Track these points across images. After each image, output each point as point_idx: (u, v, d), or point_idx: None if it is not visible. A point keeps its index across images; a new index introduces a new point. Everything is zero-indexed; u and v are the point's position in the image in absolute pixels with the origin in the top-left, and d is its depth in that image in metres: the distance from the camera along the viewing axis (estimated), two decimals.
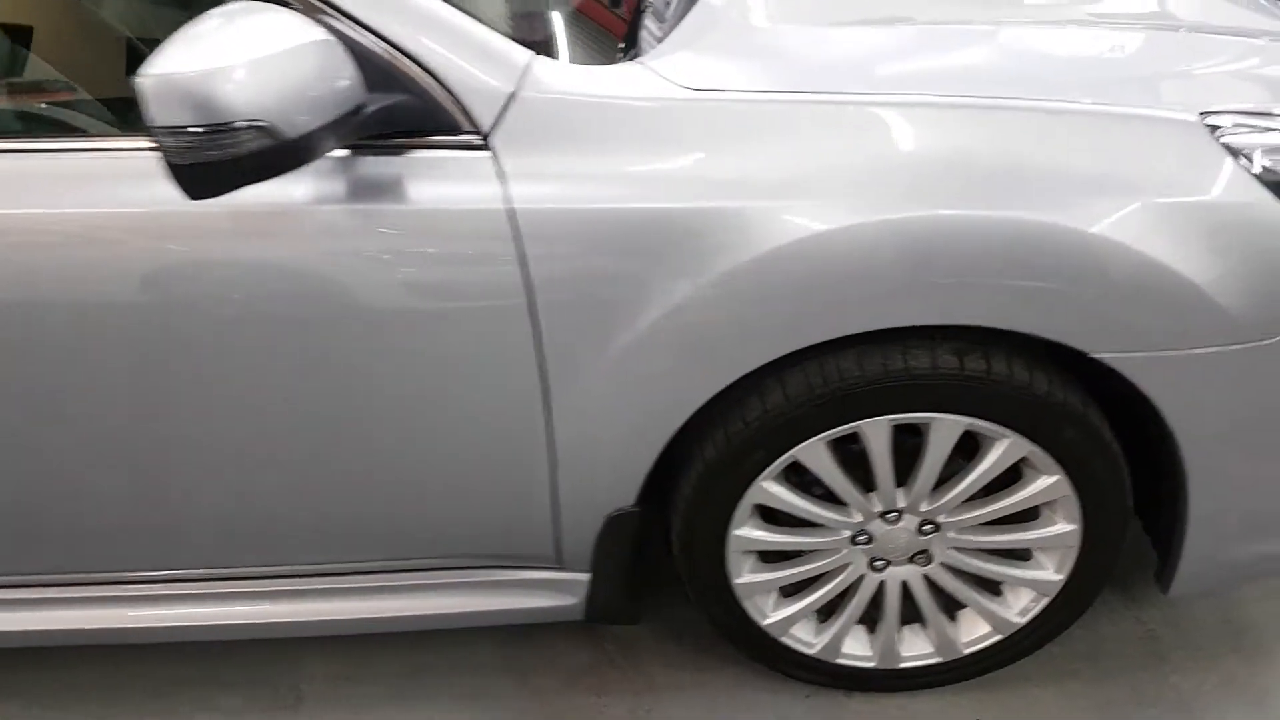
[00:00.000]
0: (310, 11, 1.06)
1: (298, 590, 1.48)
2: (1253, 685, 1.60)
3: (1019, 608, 1.50)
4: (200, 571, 1.47)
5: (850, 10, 1.49)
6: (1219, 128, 1.20)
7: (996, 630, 1.53)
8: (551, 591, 1.50)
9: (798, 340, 1.21)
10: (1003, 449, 1.32)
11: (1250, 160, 1.20)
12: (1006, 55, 1.37)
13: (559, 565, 1.47)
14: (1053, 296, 1.18)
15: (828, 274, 1.17)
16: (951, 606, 1.55)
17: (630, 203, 1.16)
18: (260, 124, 0.95)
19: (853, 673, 1.58)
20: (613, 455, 1.32)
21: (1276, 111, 1.25)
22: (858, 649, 1.57)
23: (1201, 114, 1.20)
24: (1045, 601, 1.48)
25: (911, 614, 1.53)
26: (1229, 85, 1.31)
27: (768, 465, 1.35)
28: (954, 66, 1.32)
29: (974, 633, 1.54)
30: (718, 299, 1.19)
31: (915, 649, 1.56)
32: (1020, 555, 1.48)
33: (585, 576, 1.46)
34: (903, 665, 1.57)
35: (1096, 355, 1.21)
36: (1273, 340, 1.22)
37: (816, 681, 1.61)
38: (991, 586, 1.52)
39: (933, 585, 1.49)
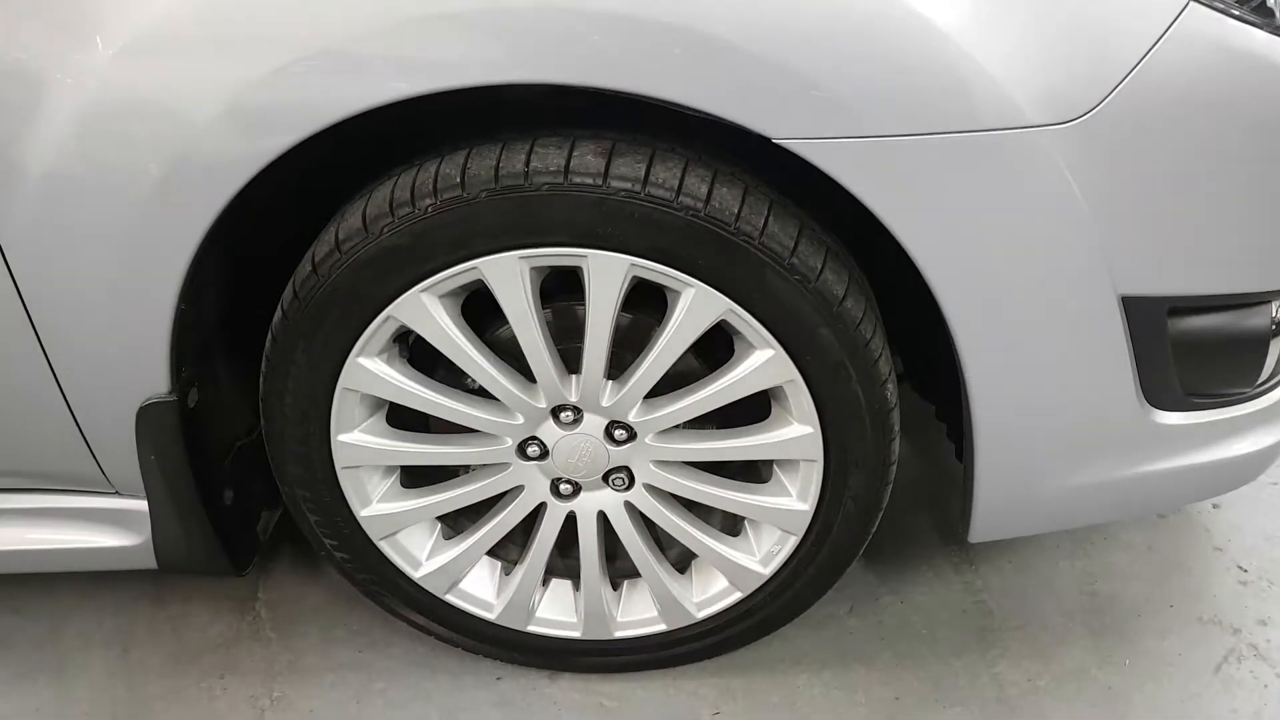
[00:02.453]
0: None
1: None
2: (1100, 684, 1.17)
3: (762, 552, 1.08)
4: None
5: None
6: None
7: (736, 585, 1.11)
8: (113, 525, 1.08)
9: (324, 113, 0.80)
10: (688, 301, 0.91)
11: None
12: None
13: (112, 488, 1.06)
14: (706, 52, 0.77)
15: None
16: (686, 558, 1.14)
17: None
18: None
19: (553, 646, 1.16)
20: (103, 313, 0.91)
21: None
22: (557, 613, 1.15)
23: None
24: (793, 542, 1.06)
25: (631, 565, 1.12)
26: None
27: (362, 332, 0.94)
28: None
29: (708, 590, 1.12)
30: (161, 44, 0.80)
31: (634, 613, 1.14)
32: (758, 480, 1.07)
33: (141, 506, 1.05)
34: (618, 635, 1.14)
35: (781, 139, 0.80)
36: (1065, 123, 0.81)
37: (508, 659, 1.19)
38: (730, 528, 1.11)
39: (643, 520, 1.08)
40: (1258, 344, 0.99)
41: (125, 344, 0.93)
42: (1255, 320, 0.97)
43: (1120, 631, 1.23)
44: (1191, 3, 0.80)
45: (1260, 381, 1.02)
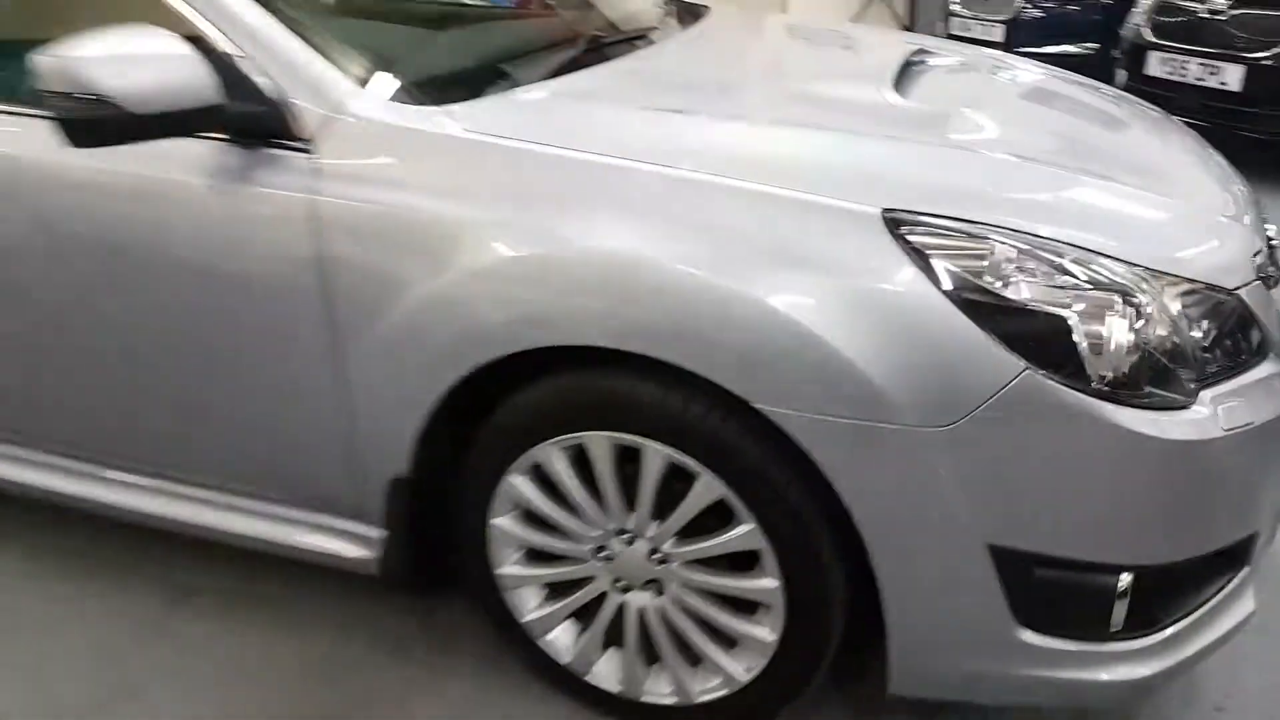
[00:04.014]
0: (188, 36, 1.47)
1: (176, 494, 1.86)
2: None
3: (745, 664, 1.57)
4: (111, 460, 1.90)
5: (643, 98, 1.73)
6: (902, 224, 1.32)
7: (725, 684, 1.60)
8: (356, 542, 1.76)
9: (506, 347, 1.44)
10: (702, 485, 1.45)
11: (928, 261, 1.30)
12: (735, 143, 1.53)
13: (363, 519, 1.74)
14: (717, 346, 1.33)
15: (519, 292, 1.41)
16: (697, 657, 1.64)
17: (387, 208, 1.47)
18: (113, 99, 1.36)
19: (600, 695, 1.70)
20: (386, 424, 1.59)
21: (966, 219, 1.33)
22: (608, 671, 1.69)
23: (885, 210, 1.33)
24: (764, 662, 1.54)
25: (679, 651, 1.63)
26: (938, 192, 1.38)
27: (514, 461, 1.56)
28: (678, 144, 1.50)
29: (708, 683, 1.62)
30: (441, 302, 1.46)
31: (657, 688, 1.66)
32: (751, 609, 1.56)
33: (380, 534, 1.72)
34: (643, 700, 1.66)
35: (756, 405, 1.34)
36: (936, 428, 1.29)
37: (571, 695, 1.73)
38: (730, 640, 1.60)
39: (667, 622, 1.60)
40: (1104, 601, 1.37)
41: (392, 439, 1.60)
42: (1101, 582, 1.36)
43: None
44: (1026, 371, 1.26)
45: (1112, 630, 1.39)
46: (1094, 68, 5.83)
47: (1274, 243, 1.66)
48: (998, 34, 6.61)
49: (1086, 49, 6.32)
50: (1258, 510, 1.45)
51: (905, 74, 1.96)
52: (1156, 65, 4.79)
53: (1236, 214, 1.58)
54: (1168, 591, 1.42)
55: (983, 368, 1.27)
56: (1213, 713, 1.72)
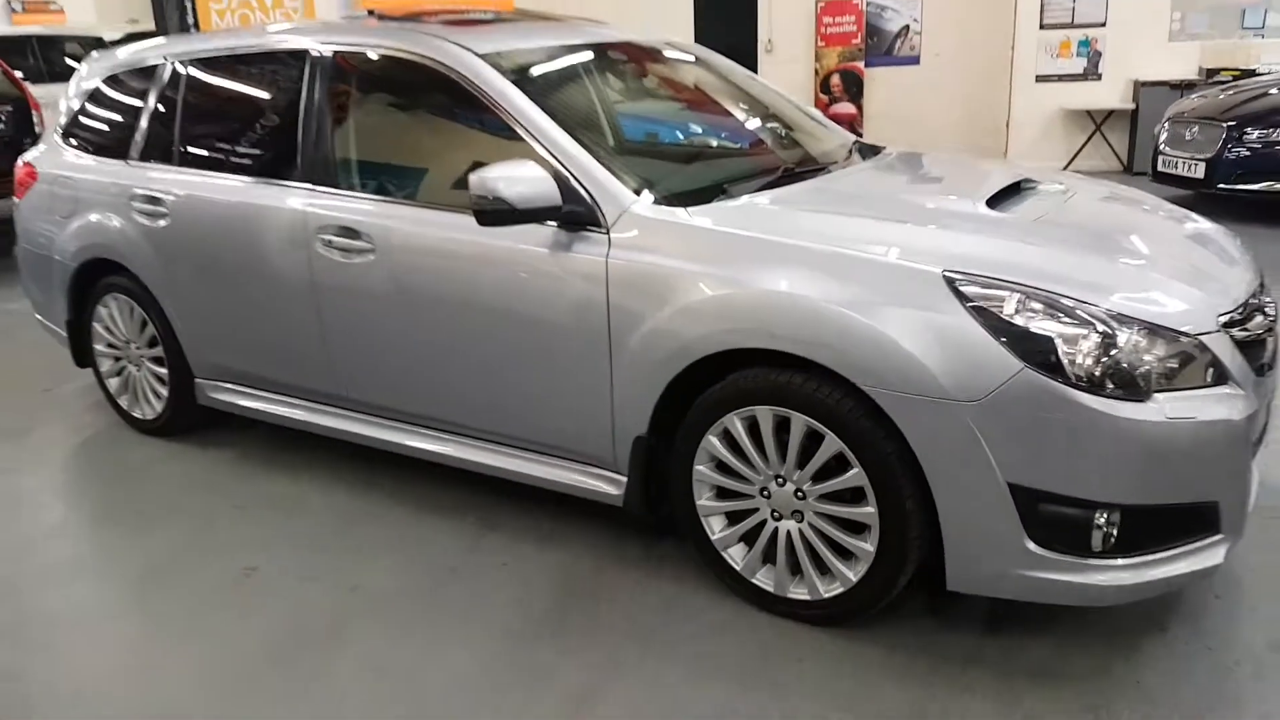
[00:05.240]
0: (545, 166, 2.59)
1: (483, 447, 2.95)
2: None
3: (856, 570, 2.36)
4: (449, 424, 3.02)
5: (813, 204, 2.67)
6: (955, 280, 2.15)
7: (841, 584, 2.39)
8: (609, 483, 2.73)
9: (703, 351, 2.38)
10: (828, 443, 2.30)
11: (969, 302, 2.12)
12: (862, 230, 2.44)
13: (615, 469, 2.70)
14: (841, 350, 2.21)
15: (721, 315, 2.36)
16: (824, 567, 2.45)
17: (648, 266, 2.48)
18: (507, 201, 2.48)
19: (759, 592, 2.53)
20: (634, 402, 2.57)
21: (994, 277, 2.15)
22: (766, 578, 2.53)
23: (944, 270, 2.17)
24: (865, 567, 2.33)
25: (812, 562, 2.46)
26: (979, 261, 2.21)
27: (709, 427, 2.48)
28: (828, 229, 2.41)
29: (831, 585, 2.42)
30: (665, 325, 2.44)
31: (799, 588, 2.48)
32: (859, 530, 2.36)
33: (625, 479, 2.68)
34: (788, 596, 2.48)
35: (862, 387, 2.19)
36: (970, 402, 2.08)
37: (737, 591, 2.58)
38: (845, 552, 2.40)
39: (805, 540, 2.43)
40: (1085, 527, 2.07)
41: (638, 410, 2.57)
42: (1082, 514, 2.07)
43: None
44: (1024, 369, 2.04)
45: (1094, 549, 2.08)
46: None
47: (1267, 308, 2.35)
48: (1199, 171, 7.07)
49: None
50: (1209, 483, 2.11)
51: (1009, 193, 2.79)
52: None
53: (1230, 296, 2.30)
54: (1138, 528, 2.11)
55: (998, 366, 2.07)
56: (1232, 666, 2.29)
